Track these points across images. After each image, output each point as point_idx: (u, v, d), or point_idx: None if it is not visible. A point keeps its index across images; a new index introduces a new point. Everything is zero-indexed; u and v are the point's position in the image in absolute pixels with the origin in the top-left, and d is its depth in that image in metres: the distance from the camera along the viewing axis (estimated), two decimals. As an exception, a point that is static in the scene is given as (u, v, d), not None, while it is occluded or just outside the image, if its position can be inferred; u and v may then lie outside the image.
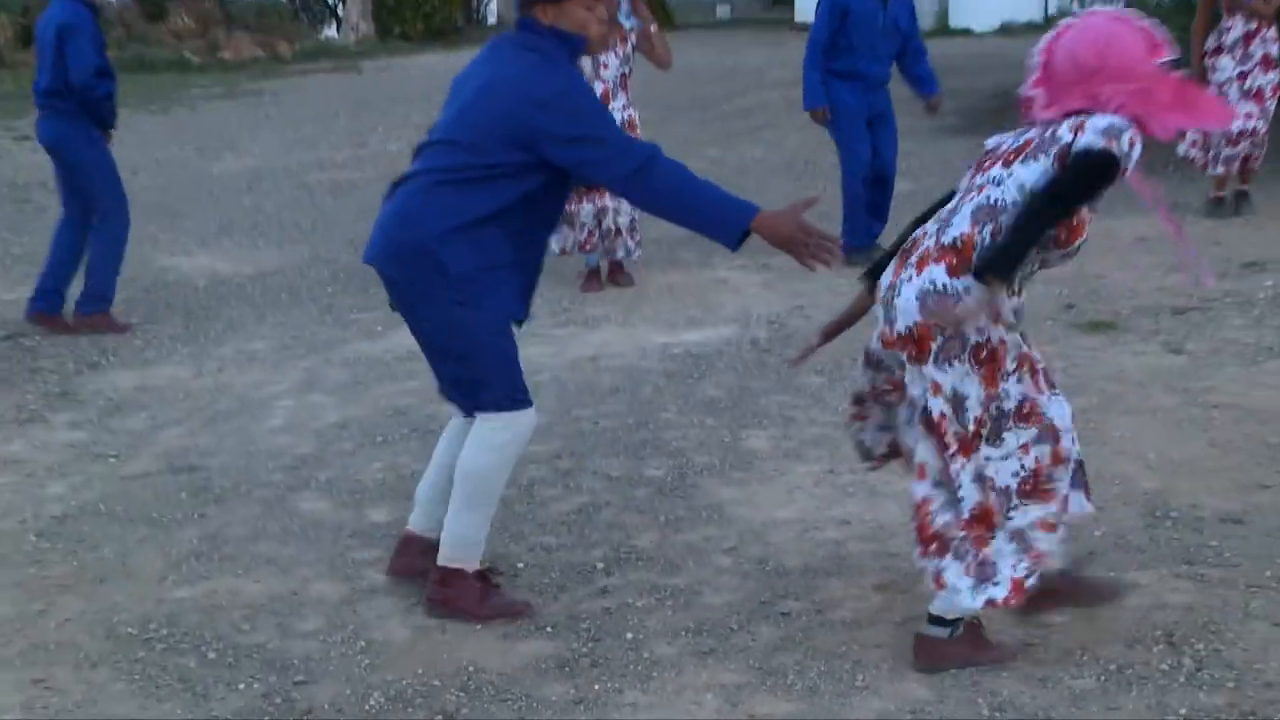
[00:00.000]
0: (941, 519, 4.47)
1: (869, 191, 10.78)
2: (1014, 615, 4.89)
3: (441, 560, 5.04)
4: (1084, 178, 4.28)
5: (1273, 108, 11.13)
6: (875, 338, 4.62)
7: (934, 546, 4.48)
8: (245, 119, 19.90)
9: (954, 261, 4.33)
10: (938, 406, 4.41)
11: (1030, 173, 4.33)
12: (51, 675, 4.79)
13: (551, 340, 8.58)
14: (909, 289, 4.39)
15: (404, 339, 8.72)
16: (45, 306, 9.35)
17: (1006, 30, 29.20)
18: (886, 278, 4.58)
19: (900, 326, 4.41)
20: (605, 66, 9.76)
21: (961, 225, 4.40)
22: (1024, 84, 4.59)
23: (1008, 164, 4.43)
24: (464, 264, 4.81)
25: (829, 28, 10.73)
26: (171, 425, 7.45)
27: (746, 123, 17.94)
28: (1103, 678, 4.50)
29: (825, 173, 12.33)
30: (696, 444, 6.73)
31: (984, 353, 4.40)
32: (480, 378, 5.03)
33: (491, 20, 41.89)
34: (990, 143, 4.68)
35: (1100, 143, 4.23)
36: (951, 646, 4.53)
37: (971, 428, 4.39)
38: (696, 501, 6.08)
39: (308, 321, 9.49)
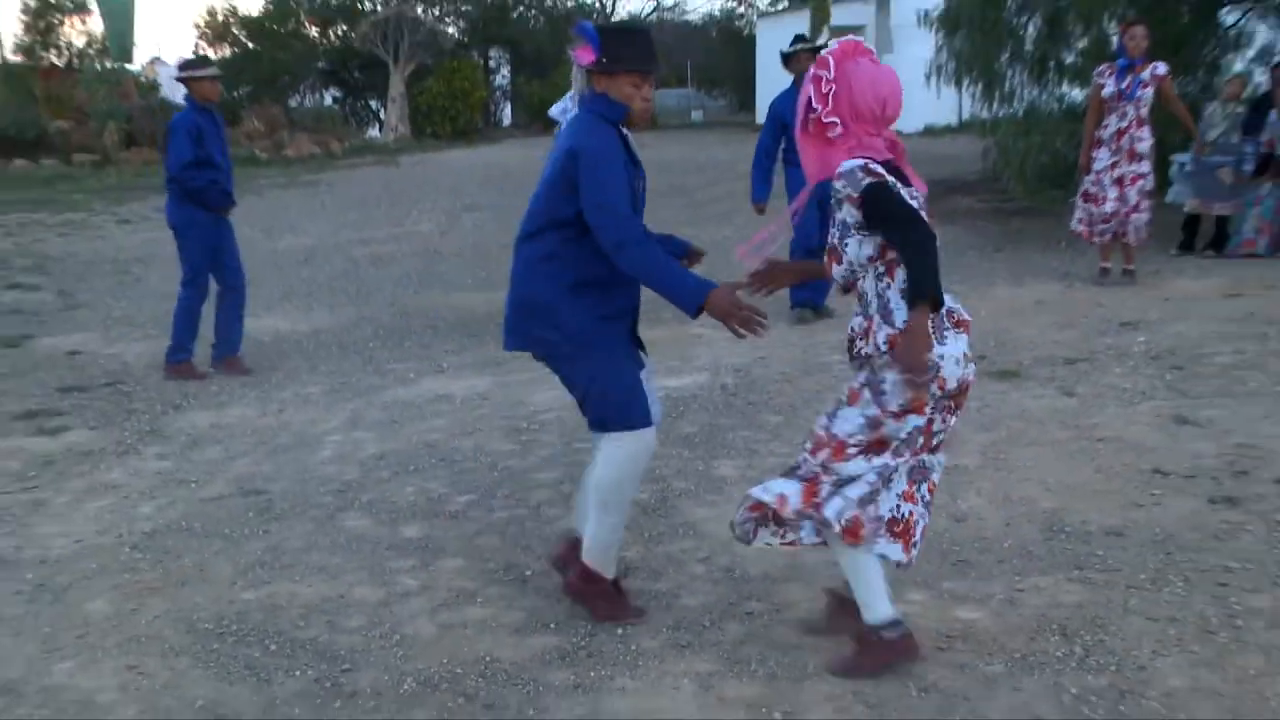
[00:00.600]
0: None
1: (817, 259, 10.71)
2: (934, 615, 4.92)
3: (584, 557, 5.01)
4: None
5: (1134, 195, 11.15)
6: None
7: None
8: (303, 205, 19.92)
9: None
10: None
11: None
12: (142, 663, 4.81)
13: (555, 385, 8.49)
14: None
15: (433, 386, 8.81)
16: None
17: (930, 131, 29.35)
18: (966, 343, 4.45)
19: None
20: None
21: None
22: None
23: None
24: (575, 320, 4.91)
25: (771, 134, 10.80)
26: (241, 456, 7.45)
27: (717, 207, 17.98)
28: (1009, 664, 4.51)
29: (780, 249, 12.38)
30: (675, 471, 6.74)
31: None
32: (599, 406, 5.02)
33: (506, 123, 41.98)
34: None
35: None
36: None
37: None
38: (675, 519, 6.09)
39: (353, 370, 9.50)
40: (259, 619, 5.16)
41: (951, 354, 4.28)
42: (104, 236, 17.26)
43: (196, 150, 9.04)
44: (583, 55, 4.93)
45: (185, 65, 9.36)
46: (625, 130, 4.98)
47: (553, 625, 4.99)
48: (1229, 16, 17.44)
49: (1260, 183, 12.89)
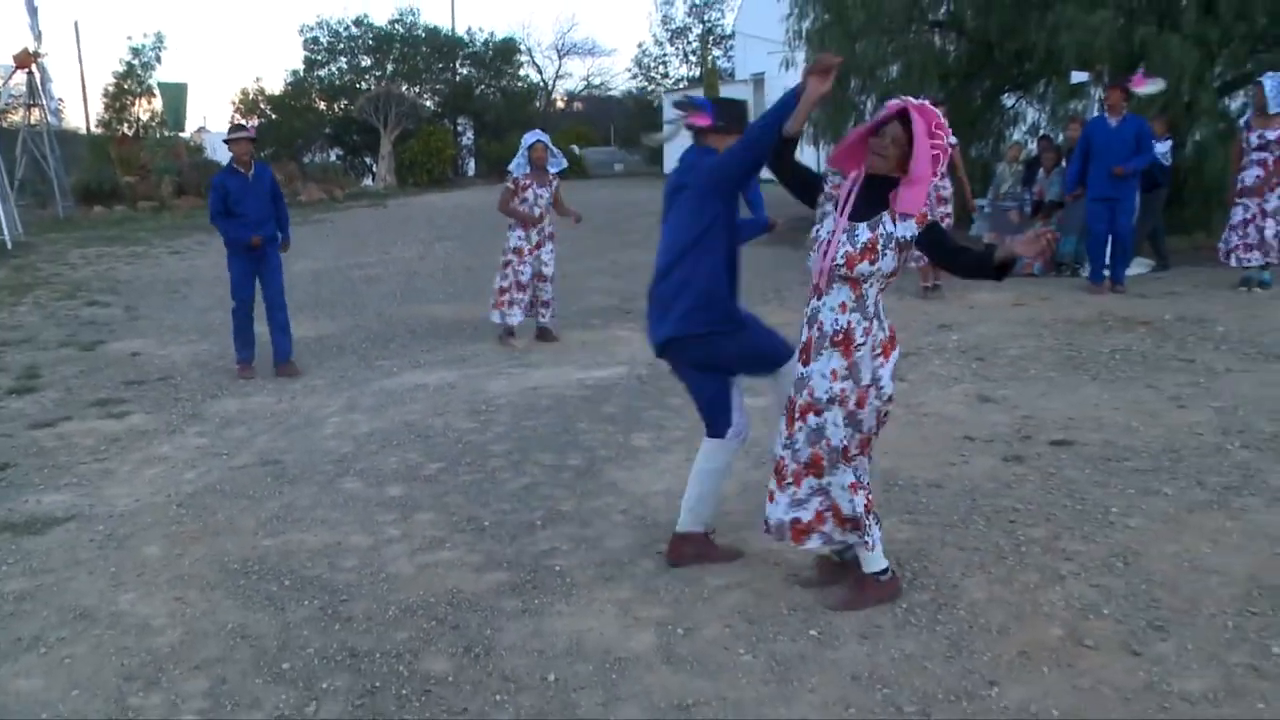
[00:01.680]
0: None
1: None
2: (803, 552, 4.89)
3: (679, 528, 4.87)
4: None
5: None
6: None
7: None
8: (313, 237, 19.72)
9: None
10: None
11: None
12: (186, 595, 4.76)
13: (507, 377, 8.53)
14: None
15: (411, 378, 8.73)
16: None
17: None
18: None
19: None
20: (540, 197, 9.72)
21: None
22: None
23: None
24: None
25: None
26: (262, 434, 7.33)
27: (635, 236, 17.93)
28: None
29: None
30: (600, 443, 6.69)
31: None
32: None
33: (470, 174, 41.92)
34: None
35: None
36: None
37: None
38: (601, 480, 6.04)
39: (349, 366, 9.37)
40: (275, 561, 5.10)
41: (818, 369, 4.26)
42: (160, 264, 17.05)
43: (218, 205, 8.94)
44: (698, 119, 4.91)
45: (228, 132, 9.26)
46: None
47: (505, 565, 4.94)
48: (1008, 100, 17.67)
49: (1035, 221, 13.12)
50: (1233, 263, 11.02)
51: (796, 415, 4.29)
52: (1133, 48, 13.14)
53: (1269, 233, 10.70)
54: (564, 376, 8.49)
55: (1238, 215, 10.92)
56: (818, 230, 4.33)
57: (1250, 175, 10.76)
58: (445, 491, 5.95)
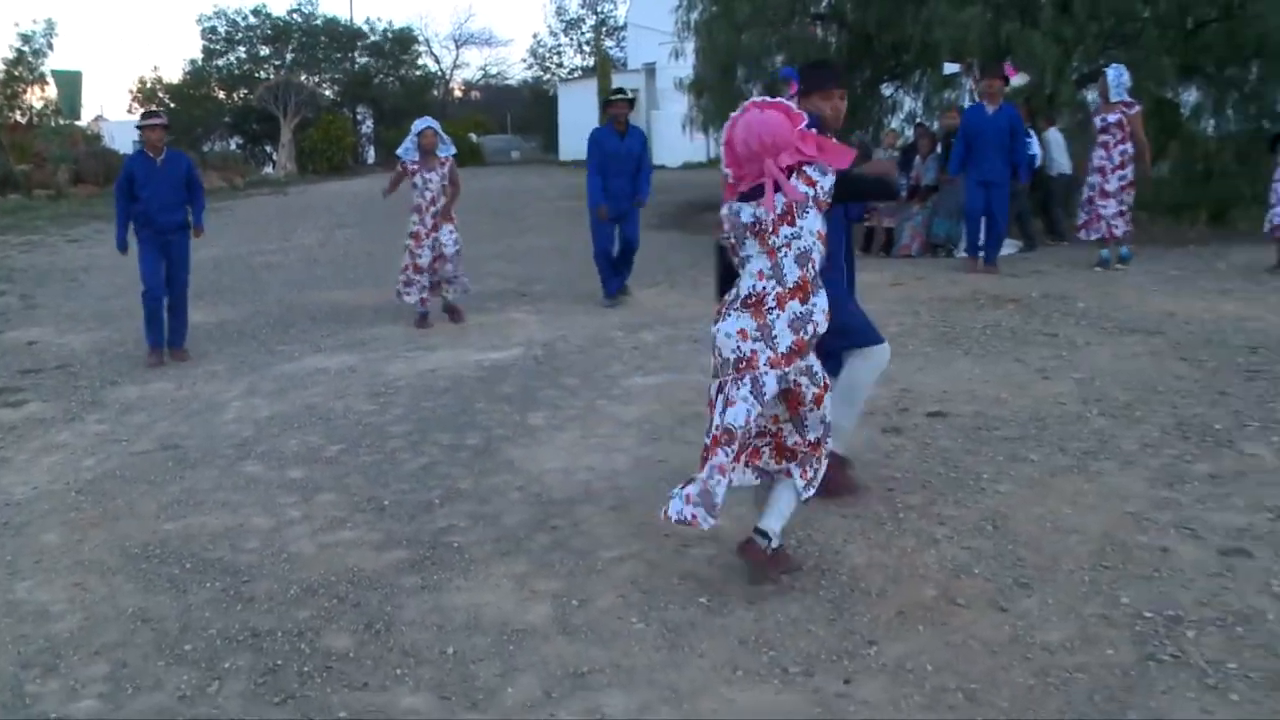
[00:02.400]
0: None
1: (616, 260, 10.74)
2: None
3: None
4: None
5: None
6: (765, 367, 4.09)
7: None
8: (214, 225, 18.97)
9: (801, 296, 4.10)
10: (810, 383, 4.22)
11: (814, 221, 4.11)
12: (86, 581, 4.66)
13: (405, 360, 8.46)
14: (781, 321, 4.09)
15: (312, 362, 8.60)
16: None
17: (687, 166, 29.58)
18: (745, 321, 4.15)
19: (783, 346, 4.07)
20: (429, 183, 9.64)
21: (794, 272, 4.09)
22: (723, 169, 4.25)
23: (792, 224, 4.07)
24: None
25: (596, 159, 10.70)
26: (162, 420, 7.18)
27: (530, 222, 17.86)
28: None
29: (580, 250, 12.25)
30: (498, 422, 6.66)
31: None
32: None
33: (370, 161, 41.45)
34: (747, 216, 4.14)
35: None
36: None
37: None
38: (498, 458, 6.01)
39: (250, 352, 9.20)
40: (177, 544, 5.00)
41: (724, 329, 4.19)
42: (57, 252, 16.58)
43: (123, 184, 8.83)
44: (792, 88, 5.02)
45: (141, 118, 9.09)
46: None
47: (404, 543, 4.91)
48: (887, 89, 17.91)
49: (911, 204, 13.36)
50: (1082, 236, 11.37)
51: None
52: (1000, 42, 13.42)
53: (1108, 211, 11.05)
54: (461, 358, 8.44)
55: (1084, 193, 11.31)
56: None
57: (1096, 156, 11.13)
58: (346, 473, 5.88)
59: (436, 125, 9.88)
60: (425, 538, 4.94)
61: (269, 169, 38.94)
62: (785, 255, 4.10)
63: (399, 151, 9.85)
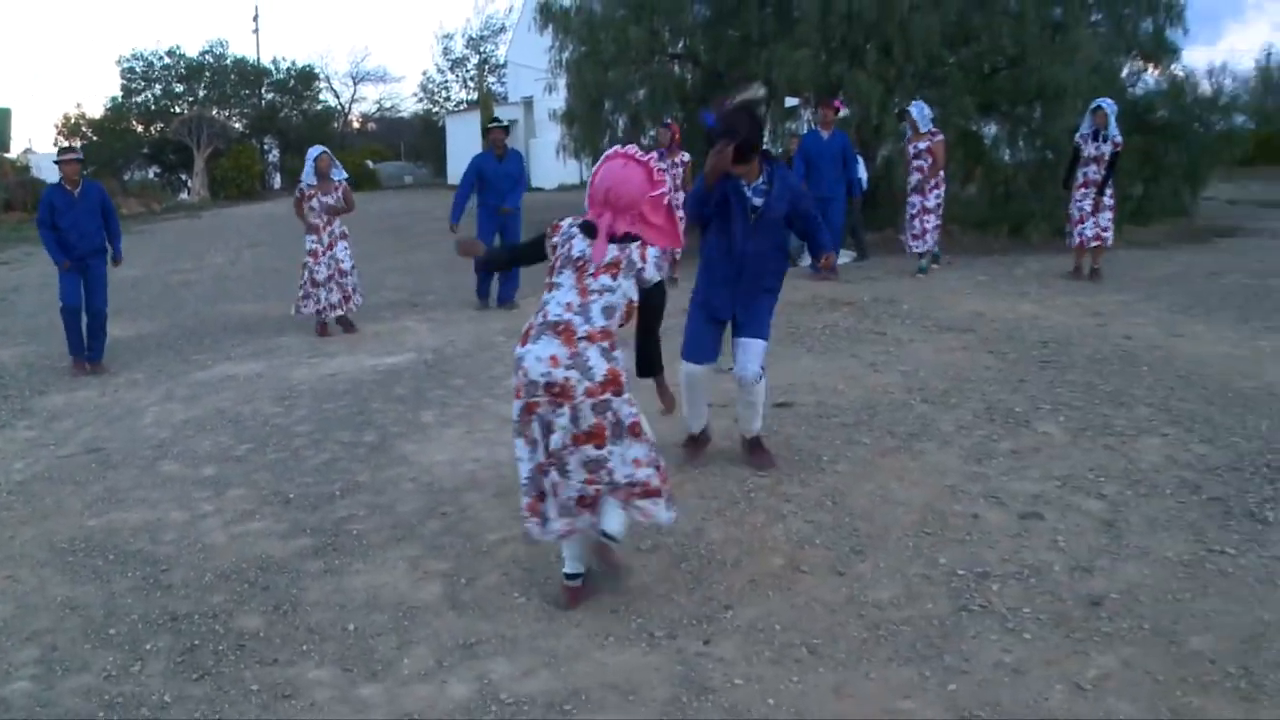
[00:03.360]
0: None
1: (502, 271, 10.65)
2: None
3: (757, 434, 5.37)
4: (657, 302, 3.79)
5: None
6: (582, 396, 3.60)
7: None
8: (134, 247, 18.37)
9: (607, 341, 3.64)
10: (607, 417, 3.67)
11: (630, 287, 3.69)
12: (17, 573, 4.47)
13: (308, 366, 8.26)
14: (594, 351, 3.61)
15: (223, 369, 8.34)
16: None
17: (562, 187, 29.46)
18: (557, 347, 3.63)
19: (598, 376, 3.59)
20: (325, 204, 9.40)
21: (598, 320, 3.62)
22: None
23: (613, 276, 3.67)
24: None
25: (469, 182, 10.66)
26: (87, 425, 6.88)
27: (421, 240, 17.58)
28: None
29: (465, 264, 12.07)
30: (393, 420, 6.54)
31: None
32: None
33: (277, 187, 40.49)
34: (577, 249, 3.74)
35: (656, 275, 3.75)
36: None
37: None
38: (394, 453, 5.90)
39: (166, 362, 8.86)
40: (101, 538, 4.81)
41: (534, 352, 3.66)
42: (-14, 274, 15.83)
43: (45, 216, 8.45)
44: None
45: (58, 154, 8.66)
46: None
47: (309, 531, 4.78)
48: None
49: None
50: (915, 247, 11.64)
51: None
52: (831, 80, 13.69)
53: (929, 224, 11.39)
54: (359, 363, 8.26)
55: (908, 211, 11.61)
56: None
57: (913, 179, 11.47)
58: (254, 469, 5.71)
59: (329, 152, 9.71)
60: (327, 526, 4.83)
61: (184, 195, 37.76)
62: (595, 300, 3.67)
63: (301, 178, 9.62)
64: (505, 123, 11.49)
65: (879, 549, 4.33)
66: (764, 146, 4.97)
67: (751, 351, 5.16)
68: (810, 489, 5.02)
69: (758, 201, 5.00)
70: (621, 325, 3.75)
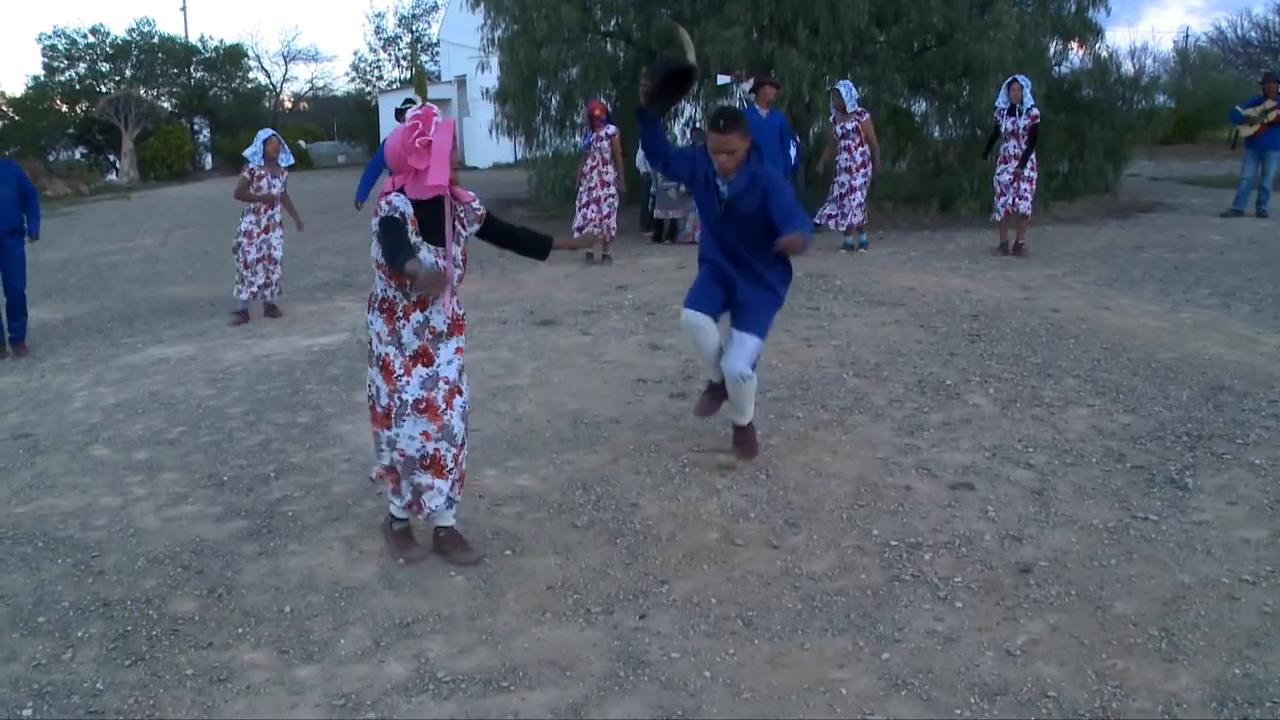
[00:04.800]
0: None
1: None
2: (501, 484, 4.88)
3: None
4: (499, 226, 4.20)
5: (605, 208, 11.50)
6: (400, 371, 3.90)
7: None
8: (60, 229, 18.09)
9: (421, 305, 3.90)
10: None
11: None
12: None
13: (241, 348, 8.10)
14: (408, 329, 3.90)
15: (155, 352, 8.17)
16: None
17: (496, 166, 29.21)
18: (380, 325, 3.94)
19: (409, 351, 3.91)
20: (274, 185, 9.22)
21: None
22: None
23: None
24: None
25: (379, 160, 10.43)
26: (13, 410, 6.69)
27: (354, 220, 17.21)
28: (550, 511, 4.54)
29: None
30: (328, 401, 6.45)
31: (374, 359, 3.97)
32: None
33: (208, 168, 39.69)
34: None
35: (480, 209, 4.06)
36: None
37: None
38: (329, 434, 5.81)
39: (95, 345, 8.64)
40: (29, 525, 4.68)
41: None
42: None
43: None
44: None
45: None
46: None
47: (243, 513, 4.70)
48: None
49: (691, 198, 13.50)
50: (832, 226, 11.68)
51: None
52: (762, 58, 13.69)
53: (854, 203, 11.44)
54: (293, 344, 8.13)
55: (834, 190, 11.62)
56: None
57: (841, 159, 11.47)
58: (187, 452, 5.60)
59: (279, 136, 9.48)
60: (262, 508, 4.75)
61: (113, 176, 36.81)
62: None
63: (247, 154, 9.37)
64: (420, 105, 11.31)
65: (813, 521, 4.36)
66: (748, 136, 4.69)
67: (743, 349, 4.87)
68: (745, 465, 5.03)
69: (725, 191, 4.78)
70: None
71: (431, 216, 3.87)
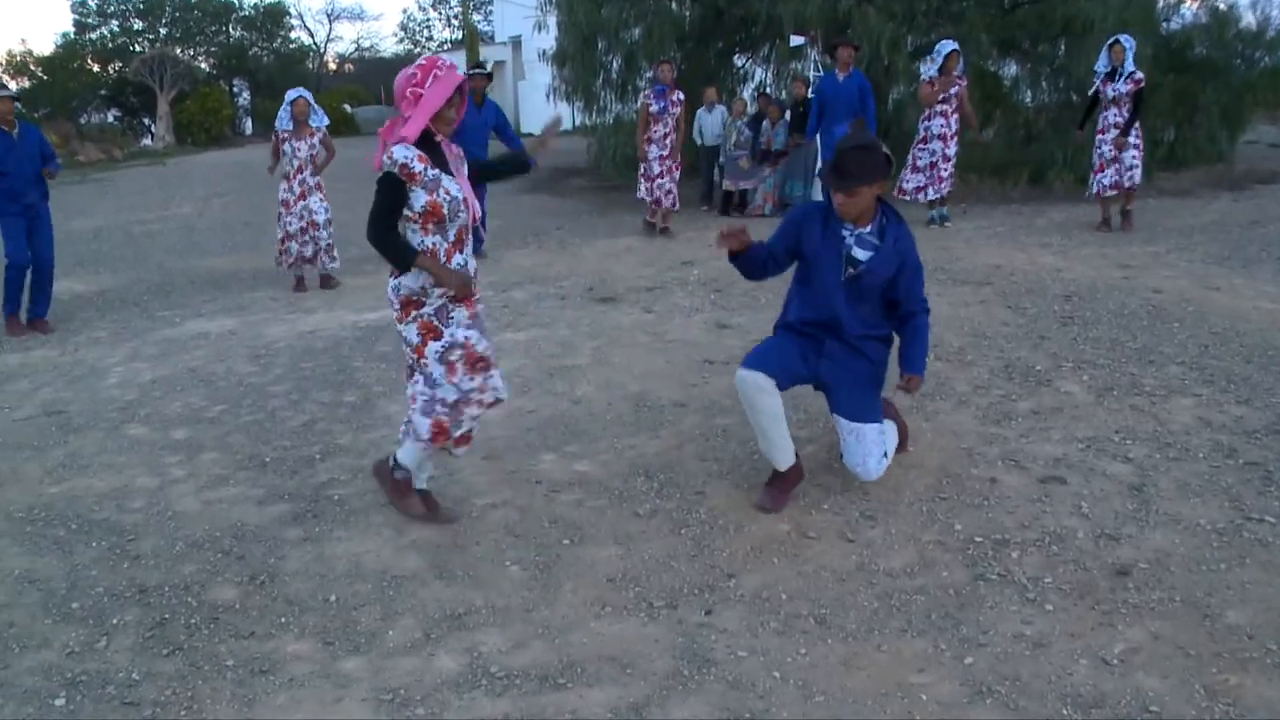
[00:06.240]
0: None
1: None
2: (559, 469, 4.91)
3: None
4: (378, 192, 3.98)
5: (668, 183, 11.55)
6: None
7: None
8: (93, 196, 18.51)
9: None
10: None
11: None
12: None
13: (285, 323, 8.25)
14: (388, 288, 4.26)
15: (194, 326, 8.33)
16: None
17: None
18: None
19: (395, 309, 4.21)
20: (298, 151, 9.35)
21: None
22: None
23: None
24: None
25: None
26: (45, 386, 6.86)
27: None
28: (611, 498, 4.57)
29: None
30: (375, 379, 6.54)
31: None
32: None
33: (249, 133, 40.21)
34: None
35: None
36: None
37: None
38: (376, 414, 5.90)
39: (131, 318, 8.85)
40: (62, 507, 4.79)
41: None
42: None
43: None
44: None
45: None
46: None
47: (286, 497, 4.78)
48: (739, 60, 17.97)
49: (764, 167, 13.46)
50: (921, 199, 11.53)
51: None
52: (839, 16, 13.57)
53: (946, 174, 11.30)
54: (338, 319, 8.25)
55: (919, 159, 11.44)
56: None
57: (935, 125, 11.28)
58: (228, 432, 5.71)
59: (308, 95, 9.60)
60: (307, 492, 4.83)
61: (148, 141, 37.46)
62: None
63: (276, 122, 9.56)
64: (489, 69, 11.40)
65: (891, 514, 4.34)
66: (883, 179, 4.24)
67: (864, 443, 4.40)
68: (817, 449, 5.03)
69: (861, 255, 4.31)
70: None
71: (436, 154, 4.03)
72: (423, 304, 4.10)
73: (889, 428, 4.59)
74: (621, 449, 5.17)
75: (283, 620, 3.74)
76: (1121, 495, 4.45)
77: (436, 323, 4.11)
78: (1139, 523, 4.20)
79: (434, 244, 4.03)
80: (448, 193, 3.99)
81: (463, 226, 4.08)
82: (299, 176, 9.41)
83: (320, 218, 9.50)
